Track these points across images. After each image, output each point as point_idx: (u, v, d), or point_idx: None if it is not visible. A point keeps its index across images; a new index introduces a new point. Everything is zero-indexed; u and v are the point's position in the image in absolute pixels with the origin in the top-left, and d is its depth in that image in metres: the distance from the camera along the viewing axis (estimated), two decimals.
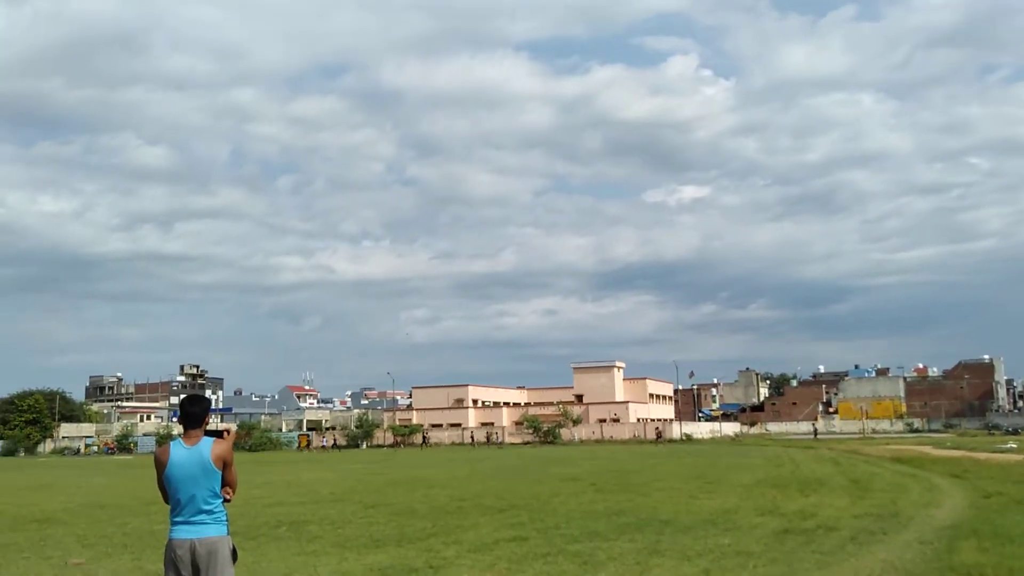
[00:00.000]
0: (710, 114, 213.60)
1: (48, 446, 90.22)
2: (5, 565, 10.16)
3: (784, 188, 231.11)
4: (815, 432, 76.63)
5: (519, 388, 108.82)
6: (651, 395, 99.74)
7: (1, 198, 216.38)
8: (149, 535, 12.84)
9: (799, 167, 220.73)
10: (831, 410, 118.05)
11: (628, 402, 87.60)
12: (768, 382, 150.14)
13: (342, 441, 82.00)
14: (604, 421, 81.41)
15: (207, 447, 4.93)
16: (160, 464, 4.94)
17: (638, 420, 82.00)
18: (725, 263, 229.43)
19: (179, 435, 5.08)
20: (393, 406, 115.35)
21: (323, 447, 77.77)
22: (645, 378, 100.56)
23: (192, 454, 4.91)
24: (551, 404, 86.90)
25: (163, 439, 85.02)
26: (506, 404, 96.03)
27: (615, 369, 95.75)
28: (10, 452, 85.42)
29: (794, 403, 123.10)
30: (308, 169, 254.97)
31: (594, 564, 9.18)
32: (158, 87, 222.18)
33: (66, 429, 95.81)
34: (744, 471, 25.60)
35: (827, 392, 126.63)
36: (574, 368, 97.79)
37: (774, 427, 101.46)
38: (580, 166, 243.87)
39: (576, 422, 78.72)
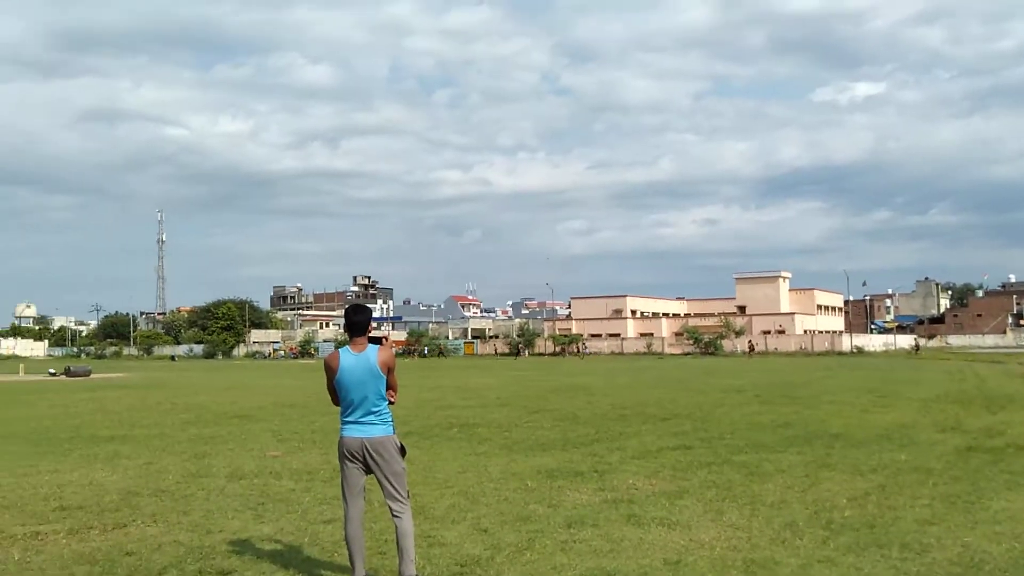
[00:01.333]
0: (887, 2, 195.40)
1: (242, 350, 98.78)
2: (214, 455, 11.35)
3: (972, 80, 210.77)
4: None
5: (678, 299, 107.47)
6: (819, 306, 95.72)
7: (186, 121, 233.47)
8: (334, 432, 13.82)
9: (991, 56, 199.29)
10: (1022, 322, 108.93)
11: (794, 313, 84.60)
12: (949, 293, 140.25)
13: (504, 349, 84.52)
14: (768, 333, 79.23)
15: (373, 354, 5.22)
16: (331, 370, 5.25)
17: (804, 332, 79.27)
18: (902, 165, 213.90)
19: (345, 343, 5.40)
20: (552, 316, 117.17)
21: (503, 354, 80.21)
22: (812, 289, 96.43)
23: (360, 360, 5.20)
24: (712, 315, 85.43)
25: (341, 345, 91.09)
26: (665, 315, 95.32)
27: (780, 279, 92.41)
28: (210, 355, 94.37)
29: (979, 315, 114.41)
30: (463, 82, 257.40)
31: (761, 475, 9.10)
32: (319, 6, 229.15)
33: (256, 335, 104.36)
34: (922, 385, 24.30)
35: (1018, 303, 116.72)
36: (736, 278, 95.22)
37: (955, 340, 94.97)
38: (742, 66, 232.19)
39: (738, 333, 77.06)
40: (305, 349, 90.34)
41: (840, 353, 68.42)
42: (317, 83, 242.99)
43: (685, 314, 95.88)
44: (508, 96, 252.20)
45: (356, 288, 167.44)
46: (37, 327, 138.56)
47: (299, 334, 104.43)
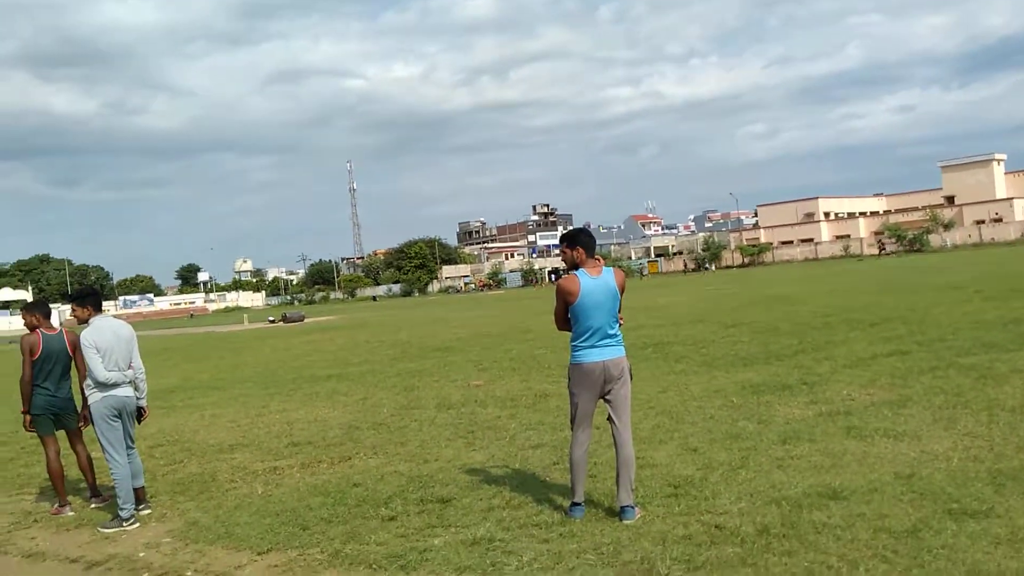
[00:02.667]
0: None
1: (435, 286, 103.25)
2: (421, 387, 11.90)
3: None
4: None
5: (876, 196, 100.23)
6: None
7: (362, 71, 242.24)
8: (531, 359, 14.19)
9: None
10: None
11: (1012, 199, 76.39)
12: None
13: (691, 265, 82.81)
14: (983, 223, 72.29)
15: (610, 276, 5.11)
16: (570, 293, 5.07)
17: None
18: None
19: (561, 269, 5.29)
20: (738, 226, 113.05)
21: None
22: None
23: (599, 283, 5.08)
24: (915, 209, 79.08)
25: (527, 274, 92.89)
26: (862, 214, 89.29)
27: (994, 163, 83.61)
28: (407, 293, 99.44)
29: None
30: None
31: (994, 378, 8.29)
32: None
33: (447, 271, 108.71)
34: None
35: None
36: (942, 167, 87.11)
37: None
38: None
39: (948, 227, 70.88)
40: (493, 280, 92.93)
41: None
42: (480, 16, 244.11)
43: (884, 211, 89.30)
44: (674, 1, 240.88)
45: (536, 217, 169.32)
46: (254, 280, 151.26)
47: (486, 267, 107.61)
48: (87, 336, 6.05)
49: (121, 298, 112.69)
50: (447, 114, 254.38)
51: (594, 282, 5.07)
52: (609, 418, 5.24)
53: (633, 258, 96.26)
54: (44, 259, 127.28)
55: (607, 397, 5.19)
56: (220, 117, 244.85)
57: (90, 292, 6.40)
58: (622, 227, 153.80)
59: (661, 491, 5.46)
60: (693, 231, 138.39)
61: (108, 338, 6.11)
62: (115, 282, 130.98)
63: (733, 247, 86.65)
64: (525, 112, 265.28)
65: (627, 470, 5.07)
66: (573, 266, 5.17)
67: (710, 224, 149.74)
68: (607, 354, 5.12)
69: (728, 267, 80.00)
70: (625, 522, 4.91)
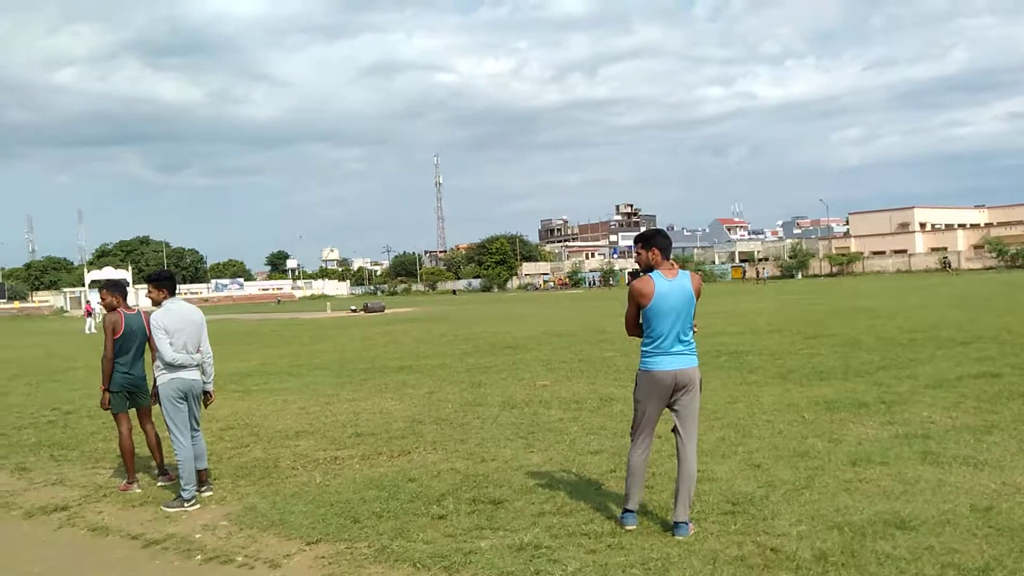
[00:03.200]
0: None
1: (514, 283, 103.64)
2: (488, 384, 11.90)
3: None
4: None
5: (977, 207, 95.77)
6: None
7: (454, 65, 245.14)
8: (601, 361, 14.03)
9: None
10: None
11: None
12: None
13: (775, 272, 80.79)
14: None
15: (687, 279, 4.88)
16: (643, 296, 4.85)
17: None
18: None
19: (633, 271, 5.14)
20: (828, 234, 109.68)
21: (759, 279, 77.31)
22: None
23: (675, 286, 4.86)
24: (1020, 223, 75.09)
25: (607, 275, 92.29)
26: (961, 226, 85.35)
27: None
28: (486, 288, 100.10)
29: None
30: None
31: None
32: None
33: (527, 268, 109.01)
34: None
35: None
36: None
37: None
38: None
39: None
40: (573, 279, 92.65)
41: None
42: (573, 12, 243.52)
43: (986, 224, 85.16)
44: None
45: (619, 217, 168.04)
46: (340, 268, 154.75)
47: (566, 265, 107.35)
48: (157, 318, 6.22)
49: (213, 281, 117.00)
50: (536, 110, 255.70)
51: (669, 285, 4.86)
52: (674, 429, 5.08)
53: (717, 262, 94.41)
54: (144, 241, 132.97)
55: (674, 407, 5.03)
56: (315, 108, 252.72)
57: (167, 275, 6.60)
58: (707, 230, 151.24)
59: (718, 507, 5.28)
60: (780, 237, 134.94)
61: (178, 321, 6.28)
62: (208, 265, 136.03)
63: (821, 255, 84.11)
64: (614, 110, 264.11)
65: (687, 485, 4.91)
66: (648, 268, 4.96)
67: (798, 231, 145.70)
68: (678, 363, 4.93)
69: (815, 276, 77.67)
70: (677, 537, 4.76)
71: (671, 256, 5.03)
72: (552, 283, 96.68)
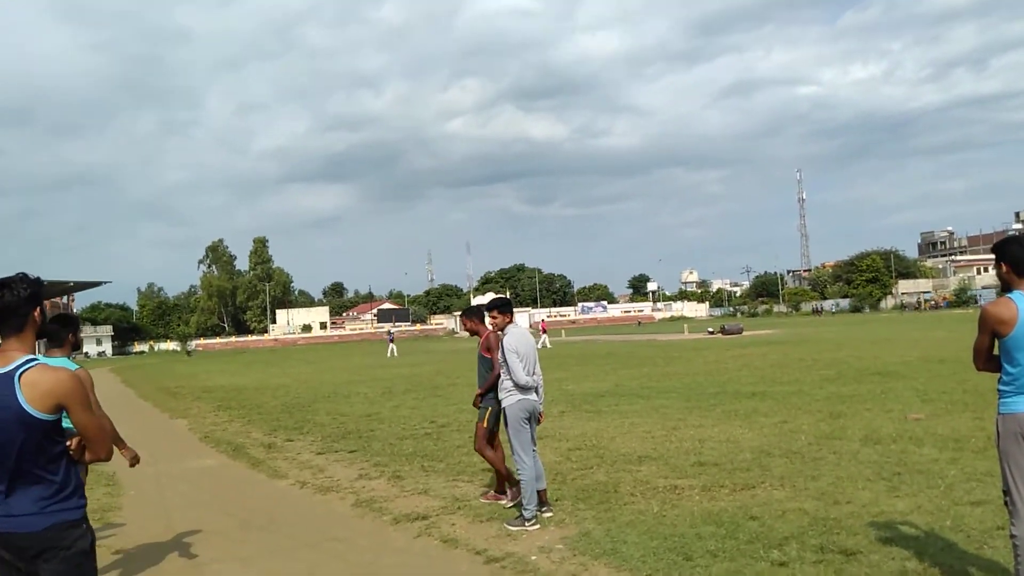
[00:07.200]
0: None
1: (889, 302, 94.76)
2: (849, 415, 10.81)
3: None
4: None
5: None
6: None
7: (816, 77, 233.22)
8: (993, 393, 12.03)
9: None
10: None
11: None
12: None
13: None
14: None
15: None
16: (999, 322, 3.93)
17: None
18: None
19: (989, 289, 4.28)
20: None
21: None
22: None
23: None
24: None
25: (1002, 292, 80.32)
26: None
27: None
28: (856, 309, 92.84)
29: None
30: None
31: None
32: None
33: (903, 285, 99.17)
34: None
35: None
36: None
37: None
38: None
39: None
40: (960, 298, 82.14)
41: None
42: (954, 2, 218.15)
43: None
44: None
45: (1019, 225, 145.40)
46: (699, 290, 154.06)
47: (952, 282, 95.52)
48: (509, 342, 6.54)
49: (580, 304, 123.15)
50: (910, 114, 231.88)
51: None
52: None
53: None
54: (520, 268, 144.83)
55: None
56: (674, 134, 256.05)
57: (507, 302, 6.97)
58: None
59: None
60: None
61: (524, 345, 6.57)
62: (575, 289, 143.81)
63: None
64: (1007, 105, 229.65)
65: None
66: (1006, 287, 4.03)
67: None
68: None
69: None
70: None
71: None
72: (935, 301, 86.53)
